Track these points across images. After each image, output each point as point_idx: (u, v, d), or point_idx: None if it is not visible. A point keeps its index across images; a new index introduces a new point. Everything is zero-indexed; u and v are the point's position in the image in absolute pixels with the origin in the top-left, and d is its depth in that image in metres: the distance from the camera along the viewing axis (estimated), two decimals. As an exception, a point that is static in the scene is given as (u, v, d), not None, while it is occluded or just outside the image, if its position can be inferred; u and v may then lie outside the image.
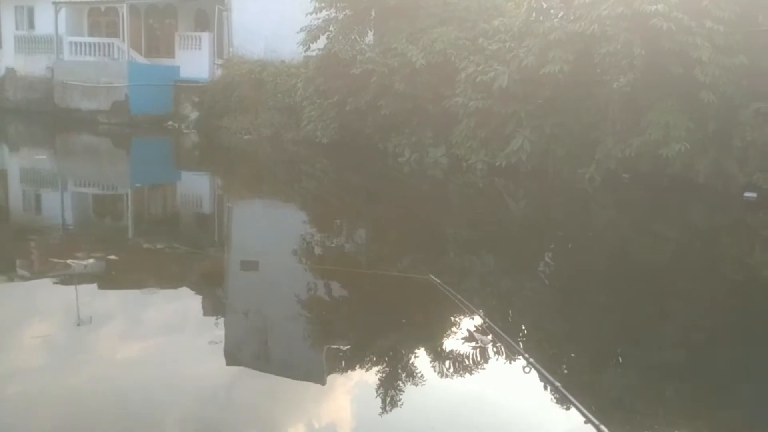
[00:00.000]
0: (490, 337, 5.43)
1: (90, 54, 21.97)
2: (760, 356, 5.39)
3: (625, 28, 11.97)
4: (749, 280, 7.76)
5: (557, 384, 4.41)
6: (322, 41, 16.11)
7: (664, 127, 12.17)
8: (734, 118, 12.15)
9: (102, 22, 23.93)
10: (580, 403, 4.23)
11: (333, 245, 9.08)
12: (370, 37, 16.62)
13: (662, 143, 12.19)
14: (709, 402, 4.62)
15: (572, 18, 13.07)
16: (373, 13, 16.44)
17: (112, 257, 7.43)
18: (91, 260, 7.14)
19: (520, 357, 4.97)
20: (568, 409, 4.39)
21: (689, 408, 4.62)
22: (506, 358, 5.13)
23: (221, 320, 5.86)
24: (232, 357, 5.00)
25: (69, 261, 7.01)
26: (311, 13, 15.95)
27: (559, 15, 13.59)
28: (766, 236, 10.31)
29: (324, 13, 16.04)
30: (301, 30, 16.13)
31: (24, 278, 6.94)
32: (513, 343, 5.17)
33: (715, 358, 5.36)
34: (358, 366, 4.99)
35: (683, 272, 7.99)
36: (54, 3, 22.30)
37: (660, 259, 8.61)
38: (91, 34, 23.47)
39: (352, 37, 15.96)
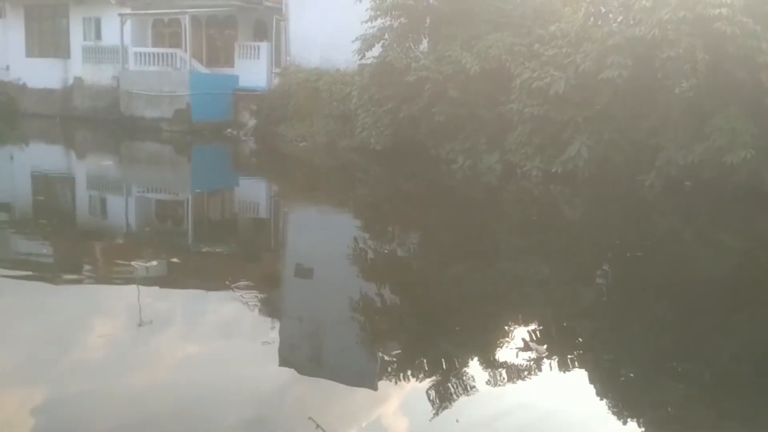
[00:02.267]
0: (545, 347, 5.37)
1: (154, 64, 22.71)
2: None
3: (687, 33, 11.65)
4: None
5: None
6: (376, 49, 16.23)
7: (729, 134, 11.77)
8: (803, 125, 11.66)
9: (165, 33, 24.72)
10: (632, 415, 4.14)
11: (386, 251, 9.13)
12: (424, 44, 16.65)
13: (726, 150, 11.78)
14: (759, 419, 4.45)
15: (632, 22, 12.78)
16: (427, 21, 16.46)
17: (174, 260, 7.67)
18: (153, 262, 7.39)
19: (574, 368, 4.90)
20: (625, 423, 4.31)
21: (743, 424, 4.45)
22: (560, 369, 5.06)
23: (276, 323, 5.97)
24: (285, 359, 5.10)
25: (133, 263, 7.27)
26: (366, 22, 16.09)
27: (618, 19, 13.31)
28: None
29: (379, 21, 16.16)
30: (357, 39, 16.28)
31: (91, 279, 7.24)
32: (565, 354, 5.10)
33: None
34: (408, 372, 5.01)
35: (748, 285, 7.70)
36: (120, 15, 23.15)
37: (724, 272, 8.32)
38: (154, 45, 24.26)
39: (407, 45, 16.02)
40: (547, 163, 13.75)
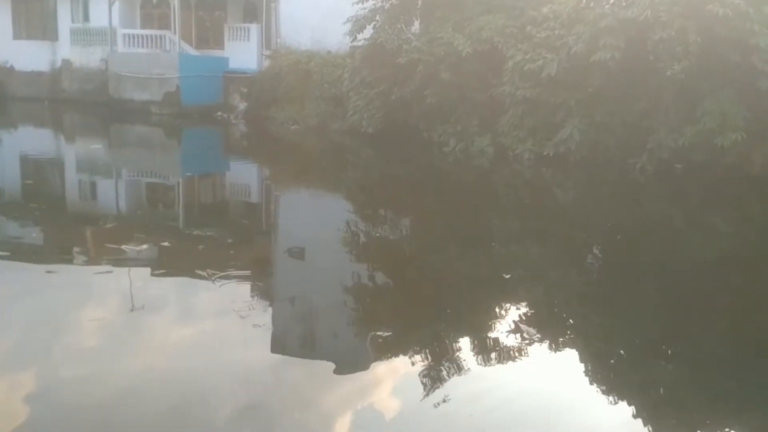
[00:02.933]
0: (535, 329, 5.40)
1: (142, 46, 22.49)
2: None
3: (679, 14, 11.62)
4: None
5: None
6: (368, 31, 16.12)
7: (720, 116, 11.79)
8: (794, 107, 11.69)
9: (154, 15, 24.45)
10: (625, 397, 4.17)
11: (378, 234, 9.13)
12: (416, 26, 16.55)
13: (717, 133, 11.81)
14: (751, 401, 4.50)
15: (624, 4, 12.74)
16: (419, 2, 16.35)
17: (165, 243, 7.64)
18: (144, 246, 7.36)
19: (564, 349, 4.93)
20: (615, 404, 4.34)
21: (736, 406, 4.50)
22: (550, 351, 5.09)
23: (267, 306, 5.97)
24: (276, 342, 5.10)
25: (123, 247, 7.24)
26: (357, 3, 15.95)
27: (610, 1, 13.26)
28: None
29: (370, 2, 16.03)
30: (348, 20, 16.16)
31: (80, 263, 7.20)
32: (558, 336, 5.12)
33: (764, 358, 5.21)
34: (400, 354, 5.02)
35: (737, 267, 7.75)
36: (108, -4, 22.88)
37: (714, 254, 8.37)
38: (143, 27, 24.02)
39: (398, 27, 15.91)
40: (539, 146, 13.74)
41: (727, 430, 4.17)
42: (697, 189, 12.00)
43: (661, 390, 4.64)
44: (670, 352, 5.32)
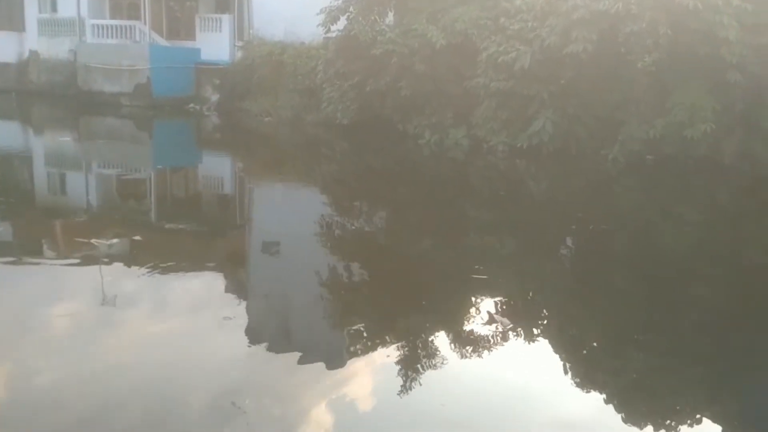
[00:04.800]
0: (509, 319, 5.43)
1: (112, 36, 22.09)
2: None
3: (650, 7, 11.74)
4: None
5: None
6: (342, 22, 16.02)
7: (690, 108, 11.96)
8: (762, 99, 11.90)
9: (123, 5, 24.02)
10: (599, 386, 4.21)
11: (353, 227, 9.10)
12: (390, 17, 16.49)
13: (687, 124, 11.99)
14: (721, 388, 4.58)
15: (596, -4, 12.83)
16: (393, -7, 16.28)
17: (136, 237, 7.52)
18: (115, 240, 7.23)
19: (539, 339, 4.96)
20: (587, 392, 4.39)
21: (706, 392, 4.58)
22: (524, 341, 5.13)
23: (242, 300, 5.91)
24: (252, 336, 5.05)
25: (93, 241, 7.11)
26: (331, -6, 15.86)
27: (583, -7, 13.33)
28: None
29: (344, -7, 15.94)
30: (321, 11, 16.05)
31: (49, 258, 7.05)
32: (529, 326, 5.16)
33: (733, 344, 5.30)
34: (374, 347, 5.02)
35: (706, 256, 7.89)
36: (76, -15, 22.42)
37: (683, 243, 8.50)
38: (112, 17, 23.57)
39: (372, 18, 15.84)
40: (512, 138, 13.82)
41: (697, 415, 4.24)
42: (668, 179, 12.17)
43: (633, 377, 4.70)
44: (640, 340, 5.39)
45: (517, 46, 13.47)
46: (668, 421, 4.05)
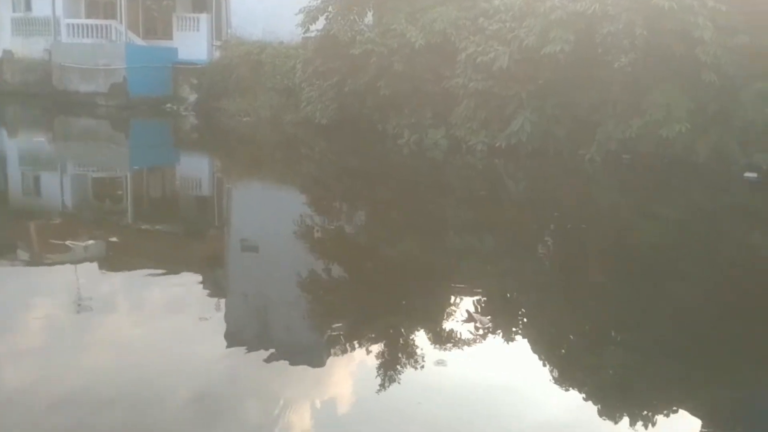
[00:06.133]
0: (488, 318, 5.45)
1: (88, 36, 21.80)
2: (756, 337, 5.39)
3: (626, 8, 11.86)
4: (749, 261, 7.75)
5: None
6: (321, 22, 15.96)
7: (665, 108, 12.11)
8: (735, 99, 12.08)
9: (99, 4, 23.73)
10: (576, 383, 4.24)
11: (332, 227, 9.08)
12: (369, 17, 16.46)
13: (663, 124, 12.14)
14: (698, 383, 4.64)
15: (573, -3, 12.94)
16: (372, -7, 16.26)
17: (113, 239, 7.43)
18: (90, 242, 7.14)
19: (517, 338, 4.99)
20: (567, 390, 4.42)
21: (683, 388, 4.63)
22: (503, 339, 5.15)
23: (221, 301, 5.87)
24: (230, 337, 5.01)
25: (69, 243, 7.01)
26: (310, -7, 15.79)
27: (560, -6, 13.43)
28: (766, 217, 10.29)
29: (323, -8, 15.88)
30: (300, 11, 15.98)
31: (24, 260, 6.94)
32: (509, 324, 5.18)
33: (709, 340, 5.37)
34: (354, 347, 5.01)
35: (682, 253, 7.98)
36: (50, -16, 22.11)
37: (659, 241, 8.60)
38: (88, 16, 23.26)
39: (351, 18, 15.79)
40: (491, 138, 13.87)
41: (674, 409, 4.28)
42: (644, 179, 12.31)
43: (611, 374, 4.75)
44: (618, 336, 5.44)
45: (496, 46, 13.54)
46: (646, 418, 4.08)
